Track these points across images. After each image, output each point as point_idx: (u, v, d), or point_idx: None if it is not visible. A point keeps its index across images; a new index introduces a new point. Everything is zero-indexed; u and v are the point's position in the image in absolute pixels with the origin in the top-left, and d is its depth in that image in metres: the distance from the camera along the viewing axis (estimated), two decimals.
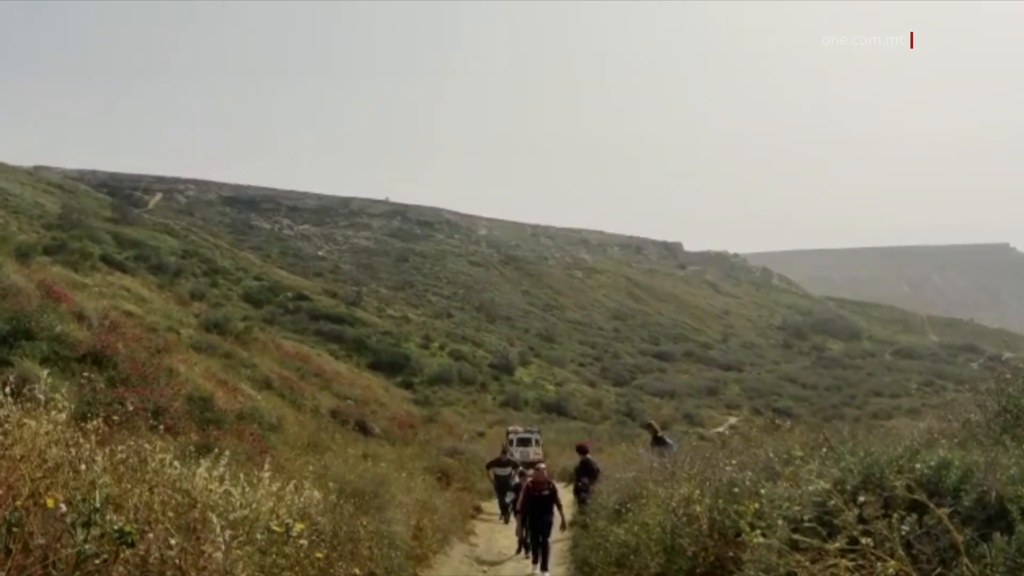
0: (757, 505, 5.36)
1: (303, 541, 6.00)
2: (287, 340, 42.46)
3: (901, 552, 3.71)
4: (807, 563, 4.01)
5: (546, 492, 12.32)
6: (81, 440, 4.89)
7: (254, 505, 6.11)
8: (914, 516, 3.89)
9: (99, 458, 4.59)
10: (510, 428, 31.46)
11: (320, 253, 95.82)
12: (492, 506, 20.58)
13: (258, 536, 5.68)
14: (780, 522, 4.66)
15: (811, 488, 4.70)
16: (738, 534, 5.48)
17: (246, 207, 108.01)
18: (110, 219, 68.09)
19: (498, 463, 19.62)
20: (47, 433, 4.81)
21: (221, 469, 6.33)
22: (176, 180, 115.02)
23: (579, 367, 70.27)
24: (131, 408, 9.82)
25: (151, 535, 4.26)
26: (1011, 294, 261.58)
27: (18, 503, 3.78)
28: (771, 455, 6.66)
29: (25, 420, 4.82)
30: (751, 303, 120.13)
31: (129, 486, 4.82)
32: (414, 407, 41.33)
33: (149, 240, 63.29)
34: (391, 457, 18.56)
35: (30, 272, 21.52)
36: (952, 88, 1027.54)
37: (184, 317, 30.14)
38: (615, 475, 12.37)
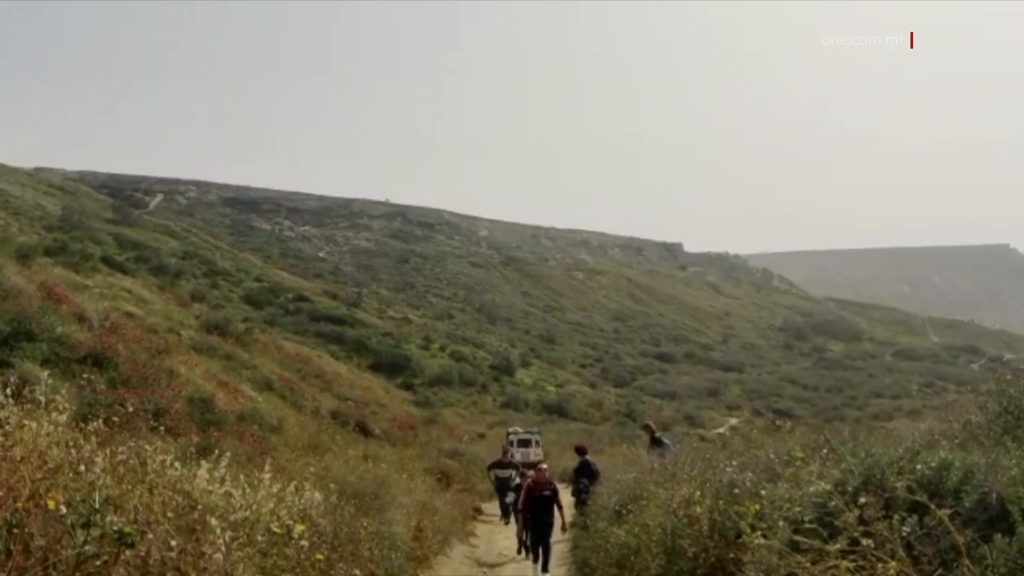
0: (758, 506, 5.36)
1: (304, 542, 6.00)
2: (288, 341, 42.48)
3: (902, 553, 3.71)
4: (808, 564, 4.01)
5: (547, 492, 12.30)
6: (82, 441, 4.89)
7: (255, 506, 6.11)
8: (915, 517, 3.88)
9: (99, 459, 4.59)
10: (510, 429, 31.46)
11: (320, 254, 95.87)
12: (492, 507, 20.57)
13: (259, 537, 5.68)
14: (781, 523, 4.65)
15: (812, 489, 4.70)
16: (739, 535, 5.48)
17: (246, 208, 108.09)
18: (111, 220, 68.14)
19: (499, 464, 19.62)
20: (48, 434, 4.81)
21: (222, 470, 6.34)
22: (176, 181, 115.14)
23: (580, 368, 70.28)
24: (131, 409, 9.82)
25: (151, 536, 4.25)
26: (1011, 295, 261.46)
27: (19, 504, 3.78)
28: (772, 456, 6.65)
29: (26, 421, 4.82)
30: (751, 304, 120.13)
31: (129, 487, 4.83)
32: (414, 408, 41.33)
33: (150, 241, 63.34)
34: (391, 458, 18.56)
35: (31, 274, 21.54)
36: (952, 88, 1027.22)
37: (185, 318, 30.16)
38: (615, 476, 12.37)
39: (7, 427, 4.63)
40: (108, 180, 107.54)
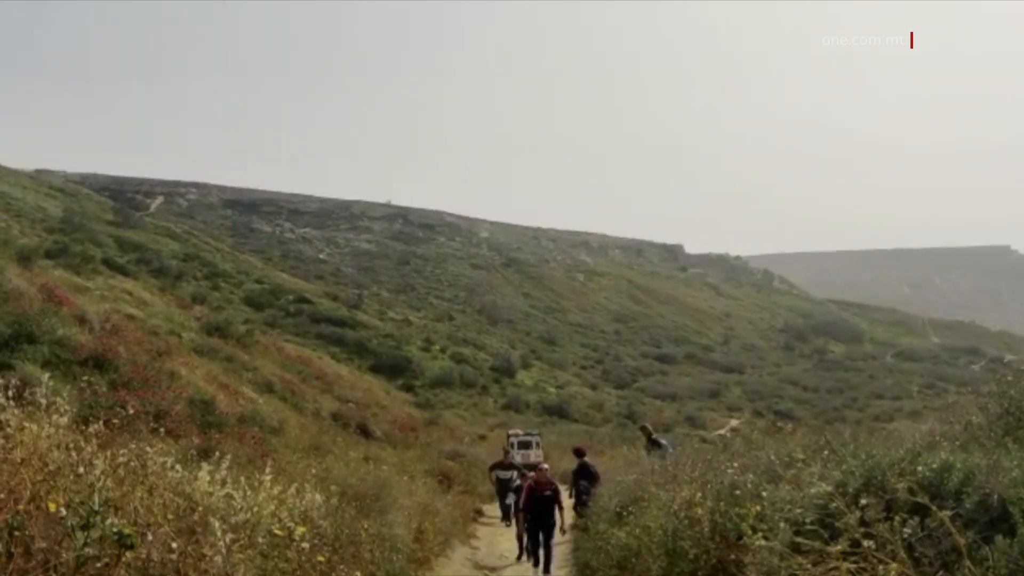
0: (759, 508, 5.36)
1: (305, 544, 5.99)
2: (288, 343, 42.51)
3: (903, 555, 3.71)
4: (809, 566, 4.01)
5: (548, 493, 12.27)
6: (82, 443, 4.88)
7: (255, 508, 6.11)
8: (916, 519, 3.88)
9: (100, 461, 4.58)
10: (511, 431, 31.48)
11: (321, 256, 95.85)
12: (493, 509, 20.56)
13: (259, 539, 5.68)
14: (782, 525, 4.66)
15: (813, 491, 4.70)
16: (740, 537, 5.48)
17: (247, 210, 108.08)
18: (112, 222, 68.15)
19: (500, 466, 19.61)
20: (48, 437, 4.81)
21: (222, 472, 6.34)
22: (177, 183, 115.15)
23: (580, 370, 70.25)
24: (132, 411, 9.81)
25: (151, 538, 4.25)
26: (1012, 296, 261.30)
27: (19, 507, 3.78)
28: (773, 458, 6.66)
29: (26, 424, 4.82)
30: (752, 305, 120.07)
31: (130, 489, 4.82)
32: (415, 410, 41.33)
33: (150, 243, 63.36)
34: (392, 460, 18.57)
35: (32, 276, 21.57)
36: (952, 88, 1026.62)
37: (185, 320, 30.17)
38: (616, 478, 12.36)
39: (8, 429, 4.63)
40: (109, 182, 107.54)
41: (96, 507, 3.91)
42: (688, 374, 74.81)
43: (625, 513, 9.31)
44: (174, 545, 4.37)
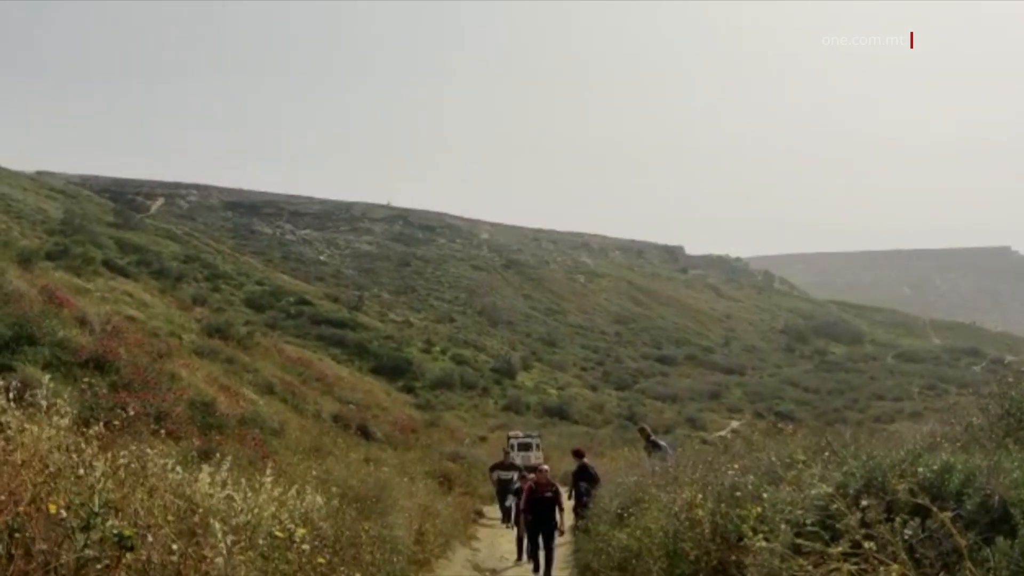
0: (759, 509, 5.36)
1: (305, 546, 5.99)
2: (289, 345, 42.52)
3: (904, 556, 3.71)
4: (810, 567, 4.01)
5: (549, 494, 12.26)
6: (83, 445, 4.88)
7: (256, 510, 6.10)
8: (917, 520, 3.88)
9: (100, 463, 4.58)
10: (511, 433, 31.49)
11: (322, 258, 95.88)
12: (494, 511, 20.56)
13: (260, 541, 5.67)
14: (783, 526, 4.65)
15: (813, 492, 4.70)
16: (740, 538, 5.48)
17: (248, 212, 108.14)
18: (112, 224, 68.21)
19: (501, 466, 19.62)
20: (49, 438, 4.81)
21: (223, 474, 6.34)
22: (178, 185, 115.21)
23: (581, 371, 70.25)
24: (133, 413, 9.81)
25: (152, 540, 4.25)
26: (1013, 297, 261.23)
27: (20, 509, 3.78)
28: (773, 459, 6.65)
29: (27, 425, 4.82)
30: (753, 307, 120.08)
31: (130, 491, 4.82)
32: (416, 411, 41.34)
33: (151, 245, 63.41)
34: (393, 462, 18.57)
35: (32, 277, 21.59)
36: (952, 88, 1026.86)
37: (186, 322, 30.19)
38: (616, 479, 12.35)
39: (8, 431, 4.63)
40: (110, 184, 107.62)
41: (96, 509, 3.91)
42: (689, 375, 74.81)
43: (626, 515, 9.30)
44: (175, 547, 4.36)
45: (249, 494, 6.30)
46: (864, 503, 4.04)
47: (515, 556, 14.20)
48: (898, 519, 3.88)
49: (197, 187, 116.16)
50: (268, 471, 7.63)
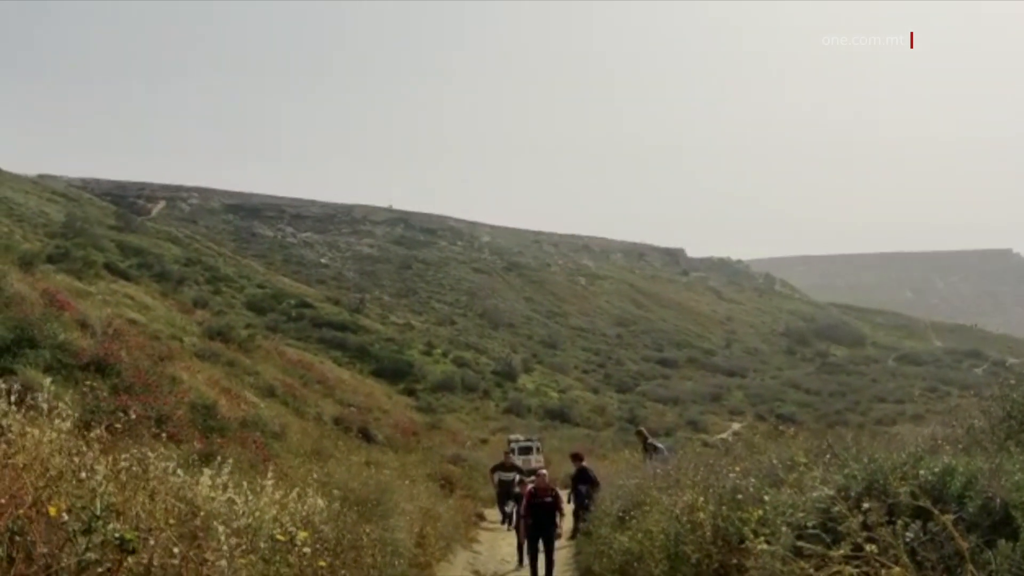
0: (761, 512, 5.35)
1: (307, 549, 5.99)
2: (290, 347, 42.54)
3: (905, 559, 3.70)
4: (811, 570, 4.00)
5: (549, 499, 12.23)
6: (84, 448, 4.89)
7: (257, 513, 6.11)
8: (918, 523, 3.87)
9: (101, 466, 4.59)
10: (511, 436, 31.48)
11: (323, 260, 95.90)
12: (495, 513, 20.54)
13: (261, 544, 5.68)
14: (784, 529, 4.65)
15: (815, 495, 4.69)
16: (742, 541, 5.47)
17: (249, 215, 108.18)
18: (113, 227, 68.24)
19: (502, 467, 19.60)
20: (50, 442, 4.81)
21: (224, 477, 6.34)
22: (179, 188, 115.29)
23: (582, 374, 70.20)
24: (134, 416, 9.82)
25: (153, 543, 4.25)
26: (1014, 299, 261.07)
27: (21, 512, 3.78)
28: (775, 461, 6.64)
29: (28, 429, 4.82)
30: (754, 309, 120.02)
31: (131, 494, 4.82)
32: (417, 414, 41.33)
33: (152, 248, 63.39)
34: (394, 464, 18.58)
35: (34, 280, 21.59)
36: (952, 88, 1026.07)
37: (187, 325, 30.21)
38: (617, 482, 12.33)
39: (10, 434, 4.63)
40: (111, 187, 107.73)
41: (98, 512, 3.91)
42: (690, 378, 74.74)
43: (627, 517, 9.30)
44: (176, 550, 4.37)
45: (250, 497, 6.31)
46: (866, 506, 4.04)
47: (516, 560, 14.17)
48: (900, 522, 3.87)
49: (198, 190, 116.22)
50: (269, 474, 7.65)
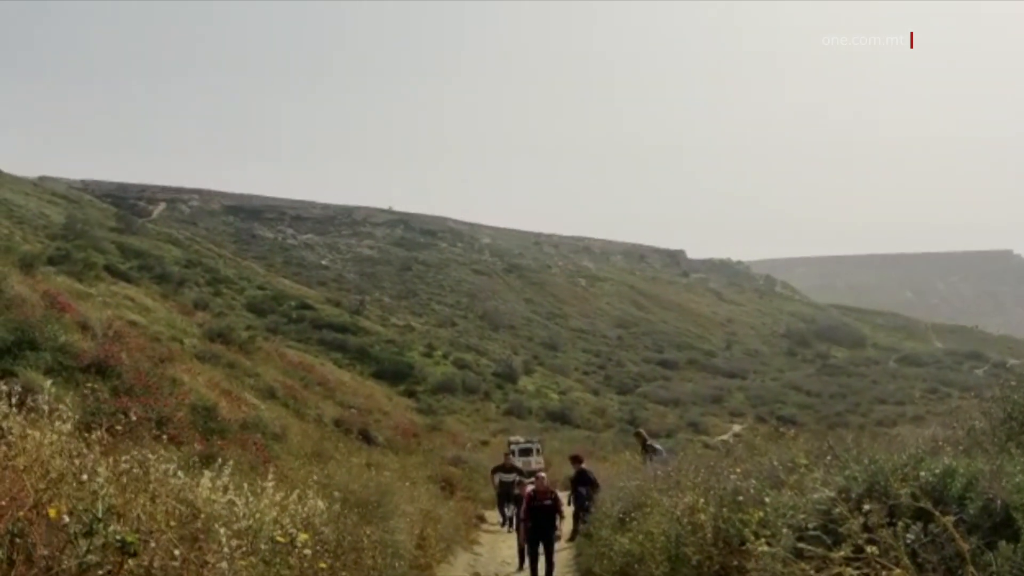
0: (762, 513, 5.35)
1: (307, 551, 5.99)
2: (290, 349, 42.53)
3: (906, 560, 3.70)
4: (812, 572, 4.00)
5: (548, 502, 12.22)
6: (85, 450, 4.89)
7: (258, 515, 6.11)
8: (919, 524, 3.87)
9: (102, 468, 4.59)
10: (511, 439, 31.45)
11: (323, 262, 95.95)
12: (496, 515, 20.54)
13: (262, 546, 5.68)
14: (785, 530, 4.65)
15: (816, 496, 4.69)
16: (743, 543, 5.47)
17: (249, 217, 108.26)
18: (114, 229, 68.29)
19: (502, 468, 19.59)
20: (51, 443, 4.81)
21: (225, 479, 6.34)
22: (180, 190, 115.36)
23: (583, 375, 70.22)
24: (135, 418, 9.82)
25: (154, 545, 4.25)
26: (1015, 300, 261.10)
27: (21, 514, 3.78)
28: (775, 463, 6.64)
29: (29, 431, 4.82)
30: (755, 310, 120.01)
31: (132, 496, 4.82)
32: (417, 416, 41.33)
33: (153, 250, 63.42)
34: (395, 466, 18.57)
35: (34, 282, 21.59)
36: (952, 88, 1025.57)
37: (188, 327, 30.21)
38: (618, 484, 12.33)
39: (10, 436, 4.63)
40: (112, 189, 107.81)
41: (99, 514, 3.91)
42: (690, 379, 74.71)
43: (628, 519, 9.30)
44: (177, 552, 4.37)
45: (251, 499, 6.31)
46: (866, 507, 4.04)
47: (516, 562, 14.17)
48: (900, 523, 3.87)
49: (199, 192, 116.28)
50: (270, 476, 7.64)
